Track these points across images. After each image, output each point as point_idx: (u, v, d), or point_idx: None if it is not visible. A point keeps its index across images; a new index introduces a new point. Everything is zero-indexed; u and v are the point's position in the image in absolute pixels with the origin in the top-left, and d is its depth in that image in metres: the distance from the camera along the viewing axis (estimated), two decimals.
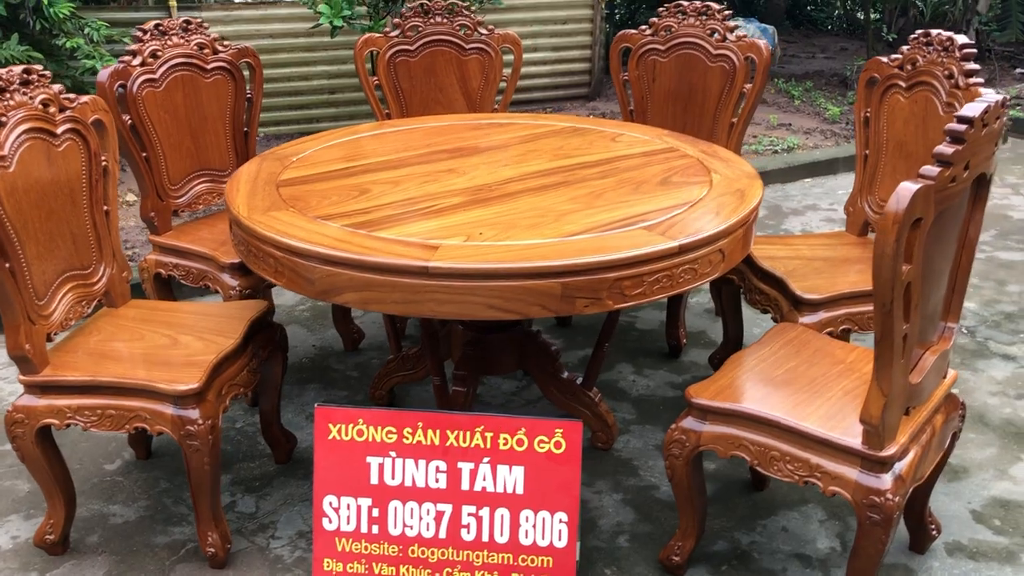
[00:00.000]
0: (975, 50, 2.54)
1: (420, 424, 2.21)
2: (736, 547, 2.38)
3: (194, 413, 2.14)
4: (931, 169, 1.65)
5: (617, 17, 8.78)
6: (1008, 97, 1.85)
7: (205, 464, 2.17)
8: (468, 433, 2.19)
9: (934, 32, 2.68)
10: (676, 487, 2.18)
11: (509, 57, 3.61)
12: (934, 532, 2.36)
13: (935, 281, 1.90)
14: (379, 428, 2.22)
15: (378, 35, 3.50)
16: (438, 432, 2.20)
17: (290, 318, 3.67)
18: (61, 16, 5.05)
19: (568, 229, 2.18)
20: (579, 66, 7.41)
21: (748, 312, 3.16)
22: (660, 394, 3.12)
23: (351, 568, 2.24)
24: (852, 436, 1.90)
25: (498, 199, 2.39)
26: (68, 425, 2.19)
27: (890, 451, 1.87)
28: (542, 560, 2.19)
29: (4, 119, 2.10)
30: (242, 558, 2.34)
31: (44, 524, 2.32)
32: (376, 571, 2.24)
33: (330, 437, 2.23)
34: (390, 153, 2.81)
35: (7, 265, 2.07)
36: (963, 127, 1.67)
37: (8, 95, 2.13)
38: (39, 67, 2.25)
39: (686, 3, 3.43)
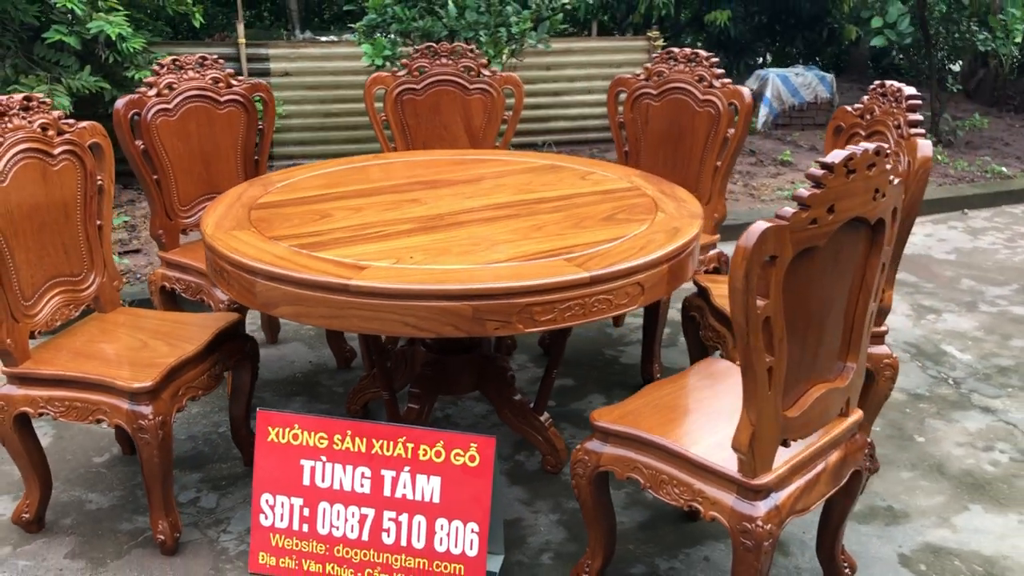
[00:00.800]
0: (920, 101, 2.60)
1: (349, 432, 2.38)
2: (654, 572, 2.46)
3: (147, 409, 2.37)
4: (787, 210, 1.75)
5: None
6: (885, 147, 1.92)
7: (155, 457, 2.39)
8: (391, 443, 2.35)
9: (888, 83, 2.75)
10: (582, 505, 2.28)
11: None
12: (847, 571, 2.39)
13: (819, 320, 1.97)
14: (312, 433, 2.40)
15: (386, 74, 3.74)
16: (365, 440, 2.37)
17: (295, 336, 3.90)
18: (133, 50, 5.49)
19: (493, 257, 2.33)
20: None
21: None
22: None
23: (283, 563, 2.42)
24: (732, 464, 1.99)
25: (445, 227, 2.56)
26: (41, 414, 2.44)
27: (764, 480, 1.94)
28: (454, 567, 2.32)
29: (0, 140, 2.39)
30: (191, 548, 2.54)
31: (21, 503, 2.58)
32: (305, 568, 2.41)
33: (269, 439, 2.42)
34: (368, 183, 3.02)
35: None
36: (822, 172, 1.76)
37: (7, 119, 2.42)
38: (40, 95, 2.54)
39: (676, 50, 3.56)
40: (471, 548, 2.31)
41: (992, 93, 9.94)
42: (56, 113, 2.58)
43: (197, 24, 6.11)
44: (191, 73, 3.35)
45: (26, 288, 2.47)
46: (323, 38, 8.13)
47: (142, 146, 3.18)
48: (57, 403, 2.43)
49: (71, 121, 2.62)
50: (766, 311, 1.78)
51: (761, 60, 9.13)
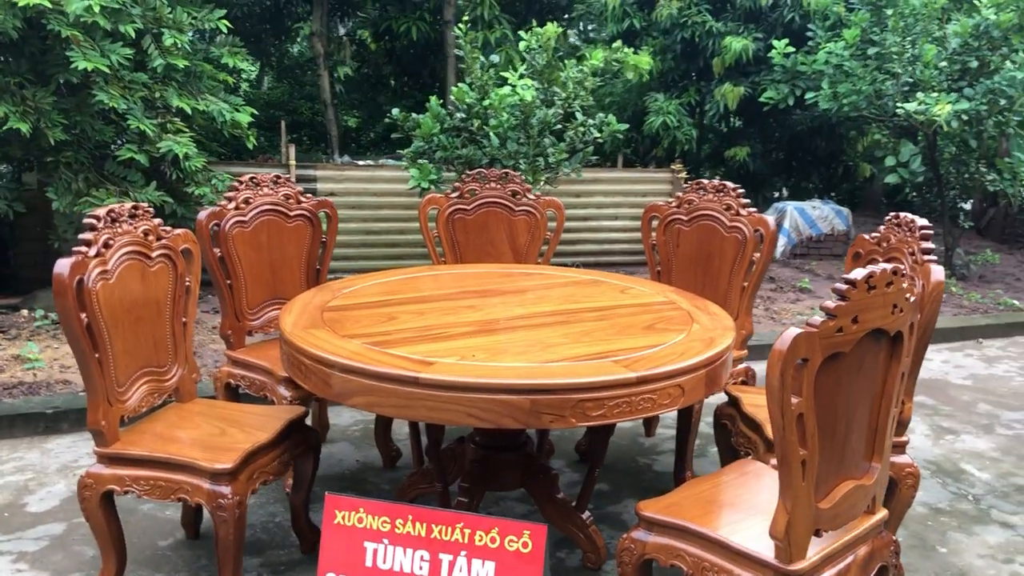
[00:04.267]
0: (931, 231, 2.88)
1: (410, 517, 2.57)
2: None
3: (226, 489, 2.58)
4: (816, 319, 2.00)
5: None
6: (901, 267, 2.18)
7: (230, 535, 2.58)
8: (449, 528, 2.54)
9: (903, 215, 3.03)
10: None
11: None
12: None
13: (847, 420, 2.18)
14: (376, 517, 2.59)
15: (440, 195, 4.08)
16: (425, 525, 2.56)
17: (343, 436, 4.11)
18: (195, 168, 5.92)
19: (548, 357, 2.58)
20: None
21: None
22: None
23: None
24: (769, 552, 2.17)
25: (501, 331, 2.82)
26: (127, 492, 2.65)
27: (798, 566, 2.12)
28: None
29: (112, 242, 2.69)
30: None
31: None
32: None
33: (335, 521, 2.61)
34: (424, 291, 3.30)
35: (96, 355, 2.60)
36: (846, 287, 2.02)
37: (118, 224, 2.73)
38: (144, 204, 2.86)
39: (706, 181, 3.89)
40: None
41: (1003, 231, 10.31)
42: (156, 220, 2.90)
43: (251, 146, 6.58)
44: (266, 189, 3.69)
45: (121, 376, 2.73)
46: (361, 162, 8.62)
47: (219, 253, 3.49)
48: (143, 482, 2.64)
49: (167, 228, 2.94)
50: (799, 408, 2.01)
51: (778, 194, 9.55)
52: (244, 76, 12.48)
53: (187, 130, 5.91)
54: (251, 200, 3.64)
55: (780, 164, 9.18)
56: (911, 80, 7.01)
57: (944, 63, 7.18)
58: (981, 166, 8.07)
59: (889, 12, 7.09)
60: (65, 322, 2.53)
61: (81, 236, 2.61)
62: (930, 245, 2.84)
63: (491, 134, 5.65)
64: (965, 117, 7.00)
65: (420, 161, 5.85)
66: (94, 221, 2.64)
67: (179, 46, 5.73)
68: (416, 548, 2.55)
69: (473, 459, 3.09)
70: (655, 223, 4.02)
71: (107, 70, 5.28)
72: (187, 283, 3.01)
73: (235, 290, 3.58)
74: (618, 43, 7.06)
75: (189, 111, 5.83)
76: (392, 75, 13.75)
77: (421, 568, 2.54)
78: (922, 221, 2.91)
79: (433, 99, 6.06)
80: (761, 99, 7.92)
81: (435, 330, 2.81)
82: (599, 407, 2.42)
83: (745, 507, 2.41)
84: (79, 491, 2.67)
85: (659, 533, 2.37)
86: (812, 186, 9.25)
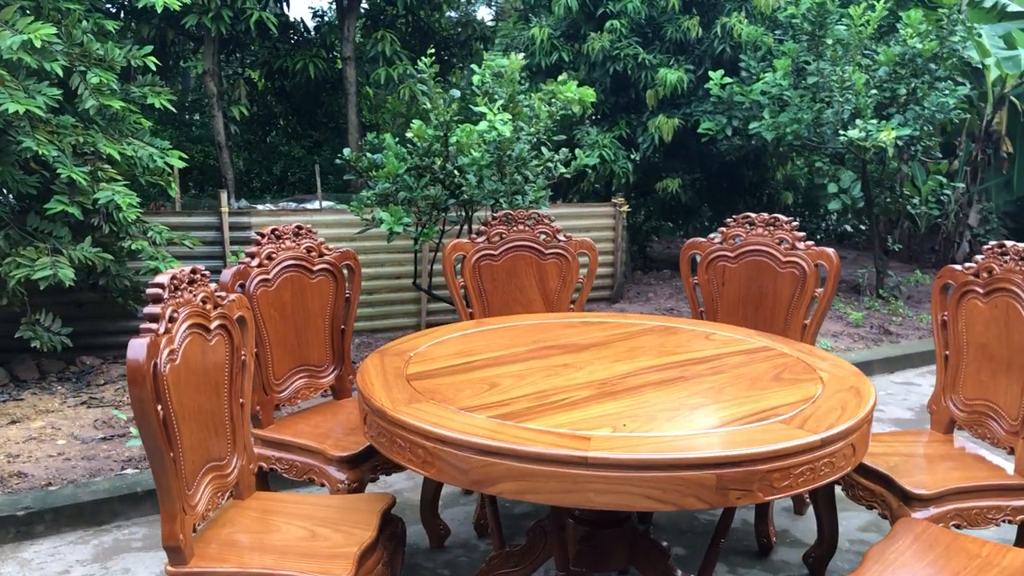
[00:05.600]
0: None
1: None
2: None
3: None
4: None
5: (632, 224, 9.23)
6: None
7: None
8: None
9: (1007, 243, 2.90)
10: None
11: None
12: None
13: None
14: None
15: (466, 241, 3.72)
16: None
17: None
18: (128, 220, 5.31)
19: (706, 423, 2.28)
20: (604, 270, 7.74)
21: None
22: None
23: None
24: None
25: (624, 392, 2.50)
26: None
27: None
28: None
29: (176, 315, 2.22)
30: None
31: None
32: None
33: None
34: (499, 349, 2.93)
35: (171, 454, 2.12)
36: None
37: (180, 292, 2.26)
38: (201, 267, 2.39)
39: (754, 216, 3.69)
40: None
41: (910, 250, 10.68)
42: (212, 286, 2.44)
43: (173, 194, 5.99)
44: (288, 243, 3.25)
45: (189, 475, 2.24)
46: (292, 204, 8.07)
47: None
48: None
49: (223, 294, 2.48)
50: None
51: (707, 223, 9.58)
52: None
53: (119, 178, 5.30)
54: (273, 256, 3.18)
55: (707, 194, 9.21)
56: (850, 108, 7.13)
57: (875, 91, 7.34)
58: (905, 189, 8.32)
59: (829, 42, 7.20)
60: (141, 415, 2.04)
61: (148, 310, 2.13)
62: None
63: (469, 174, 5.31)
64: (900, 143, 7.17)
65: (388, 204, 5.44)
66: (160, 291, 2.17)
67: (108, 85, 5.14)
68: None
69: (581, 538, 2.74)
70: (698, 260, 3.79)
71: (40, 112, 4.65)
72: (243, 357, 2.54)
73: (262, 359, 3.10)
74: (563, 76, 6.87)
75: (117, 156, 5.23)
76: (283, 115, 13.17)
77: None
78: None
79: (388, 136, 5.67)
80: (699, 131, 7.90)
81: (552, 396, 2.46)
82: (785, 477, 2.13)
83: None
84: None
85: None
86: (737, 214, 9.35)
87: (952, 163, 9.94)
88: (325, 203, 9.10)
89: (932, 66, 7.44)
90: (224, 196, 6.59)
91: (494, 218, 3.79)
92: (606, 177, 8.42)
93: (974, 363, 2.99)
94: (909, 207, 8.44)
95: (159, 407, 2.07)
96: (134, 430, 4.27)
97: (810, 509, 3.69)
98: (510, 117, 5.34)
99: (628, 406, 2.39)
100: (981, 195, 9.93)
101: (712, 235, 3.79)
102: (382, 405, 2.35)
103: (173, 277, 2.24)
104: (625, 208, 7.93)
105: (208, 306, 2.39)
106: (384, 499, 2.55)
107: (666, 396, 2.47)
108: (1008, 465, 2.84)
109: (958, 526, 2.68)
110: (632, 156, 8.40)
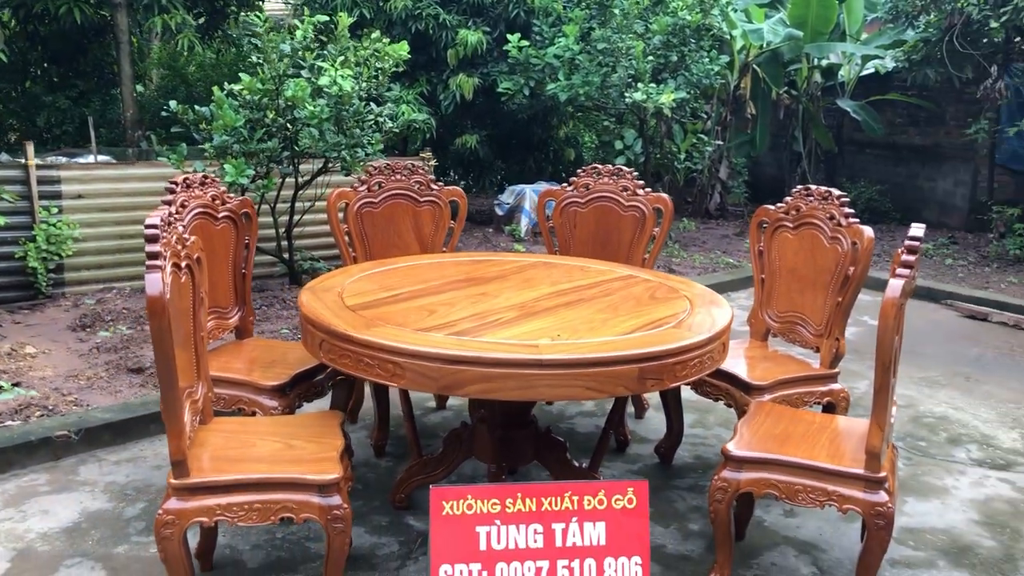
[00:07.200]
0: (848, 198, 3.53)
1: (519, 494, 2.67)
2: None
3: (336, 500, 2.49)
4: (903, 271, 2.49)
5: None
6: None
7: (345, 544, 2.50)
8: (559, 498, 2.69)
9: (813, 186, 3.67)
10: (717, 528, 2.79)
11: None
12: None
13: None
14: (485, 501, 2.65)
15: (348, 189, 4.02)
16: (534, 499, 2.68)
17: None
18: None
19: (617, 330, 2.82)
20: None
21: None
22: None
23: None
24: (855, 467, 2.64)
25: (543, 312, 2.99)
26: (216, 523, 2.44)
27: (882, 474, 2.62)
28: None
29: (164, 253, 2.44)
30: None
31: None
32: None
33: (444, 513, 2.63)
34: (415, 284, 3.31)
35: (177, 377, 2.36)
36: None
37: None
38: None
39: (601, 167, 4.28)
40: None
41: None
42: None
43: None
44: (196, 191, 3.40)
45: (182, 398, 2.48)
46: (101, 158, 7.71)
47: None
48: (236, 508, 2.44)
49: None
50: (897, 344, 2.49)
51: (500, 177, 10.22)
52: None
53: None
54: (186, 204, 3.34)
55: (500, 150, 9.82)
56: (632, 73, 7.95)
57: (651, 57, 8.22)
58: (672, 147, 9.37)
59: (617, 12, 7.97)
60: (159, 343, 2.28)
61: (150, 248, 2.34)
62: (851, 210, 3.50)
63: (310, 127, 5.52)
64: (675, 105, 8.11)
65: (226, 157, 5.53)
66: (156, 231, 2.38)
67: None
68: (529, 523, 2.67)
69: (499, 438, 3.21)
70: (551, 206, 4.33)
71: None
72: (201, 294, 2.77)
73: None
74: (377, 33, 7.15)
75: None
76: (39, 62, 12.25)
77: (536, 541, 2.67)
78: (837, 192, 3.56)
79: (216, 90, 5.73)
80: (499, 90, 8.45)
81: (488, 317, 2.90)
82: (684, 368, 2.73)
83: (798, 439, 2.86)
84: (158, 531, 2.40)
85: (750, 469, 2.74)
86: (528, 169, 10.04)
87: (705, 123, 11.20)
88: (100, 157, 8.74)
89: (696, 37, 8.42)
90: (30, 148, 6.31)
91: (374, 167, 4.11)
92: (407, 133, 8.78)
93: (785, 283, 3.76)
94: (676, 162, 9.52)
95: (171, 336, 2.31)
96: (5, 383, 4.21)
97: (648, 412, 4.41)
98: (351, 73, 5.59)
99: (551, 322, 2.88)
100: (729, 152, 11.27)
101: (564, 184, 4.33)
102: (346, 331, 2.69)
103: (162, 218, 2.45)
104: (433, 163, 8.35)
105: (179, 247, 2.60)
106: (337, 415, 2.89)
107: (577, 314, 2.99)
108: (813, 361, 3.63)
109: None
110: (439, 112, 8.79)
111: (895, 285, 2.47)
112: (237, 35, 11.17)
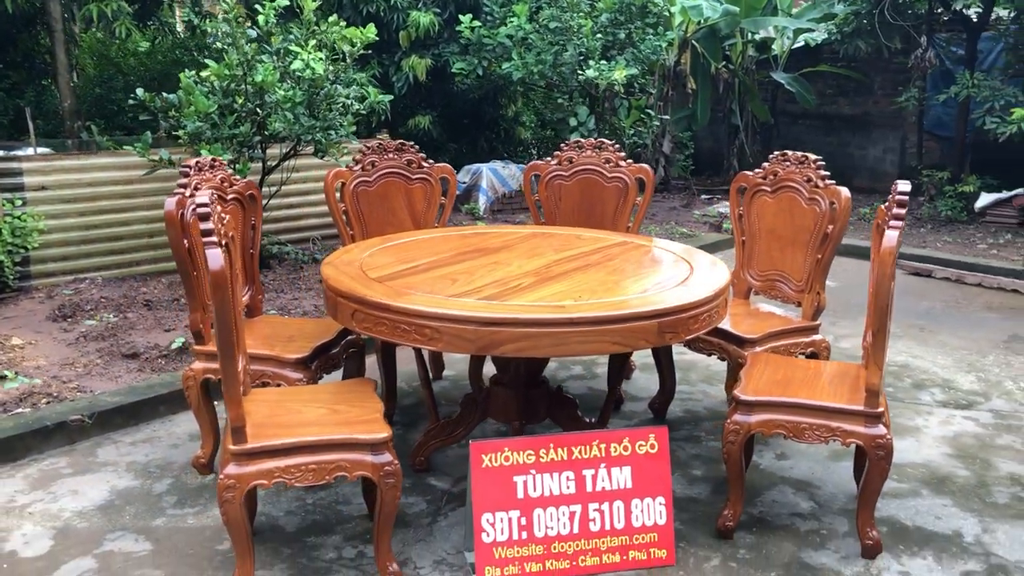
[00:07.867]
0: (823, 162, 3.80)
1: (551, 445, 2.87)
2: (751, 514, 3.25)
3: (387, 456, 2.65)
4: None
5: None
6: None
7: (397, 497, 2.66)
8: (588, 447, 2.90)
9: (790, 152, 3.92)
10: (731, 468, 3.03)
11: None
12: None
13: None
14: (521, 452, 2.85)
15: (344, 169, 4.14)
16: (566, 448, 2.88)
17: None
18: None
19: (633, 290, 3.03)
20: None
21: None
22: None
23: (507, 571, 2.80)
24: (855, 404, 2.90)
25: (559, 276, 3.18)
26: (274, 484, 2.58)
27: (880, 409, 2.89)
28: (649, 536, 2.91)
29: (199, 186, 2.60)
30: None
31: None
32: (527, 570, 2.82)
33: (484, 465, 2.82)
34: (428, 256, 3.46)
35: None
36: None
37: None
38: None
39: (584, 141, 4.47)
40: (661, 518, 2.92)
41: None
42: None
43: None
44: (207, 174, 3.50)
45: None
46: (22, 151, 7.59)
47: (187, 244, 3.28)
48: (293, 470, 2.59)
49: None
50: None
51: (452, 157, 10.35)
52: None
53: None
54: (200, 186, 3.43)
55: (452, 131, 9.94)
56: (583, 51, 8.16)
57: (599, 35, 8.43)
58: (618, 122, 9.61)
59: None
60: (221, 312, 2.40)
61: (203, 226, 2.46)
62: (827, 172, 3.76)
63: (284, 111, 5.58)
64: (626, 81, 8.35)
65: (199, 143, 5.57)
66: (208, 210, 2.50)
67: None
68: (561, 471, 2.88)
69: (515, 398, 3.40)
70: (536, 180, 4.51)
71: None
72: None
73: (199, 282, 3.38)
74: (334, 16, 7.20)
75: None
76: None
77: (568, 487, 2.89)
78: (814, 156, 3.82)
79: (183, 75, 5.75)
80: (454, 70, 8.57)
81: (509, 283, 3.08)
82: (696, 321, 2.95)
83: (798, 382, 3.11)
84: (220, 494, 2.54)
85: (760, 412, 2.98)
86: (480, 149, 10.19)
87: (648, 99, 11.49)
88: (40, 149, 8.59)
89: (641, 15, 8.66)
90: None
91: (368, 147, 4.23)
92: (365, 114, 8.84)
93: (765, 244, 4.02)
94: (624, 137, 9.78)
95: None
96: (8, 372, 4.23)
97: (635, 373, 4.64)
98: (323, 57, 5.67)
99: (570, 285, 3.07)
100: (672, 126, 11.58)
101: (548, 158, 4.51)
102: (382, 299, 2.84)
103: (209, 197, 2.57)
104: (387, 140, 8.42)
105: (224, 184, 2.89)
106: (370, 381, 3.04)
107: (590, 277, 3.19)
108: (794, 315, 3.90)
109: None
110: (394, 94, 8.87)
111: (891, 236, 2.72)
112: (188, 20, 11.04)
